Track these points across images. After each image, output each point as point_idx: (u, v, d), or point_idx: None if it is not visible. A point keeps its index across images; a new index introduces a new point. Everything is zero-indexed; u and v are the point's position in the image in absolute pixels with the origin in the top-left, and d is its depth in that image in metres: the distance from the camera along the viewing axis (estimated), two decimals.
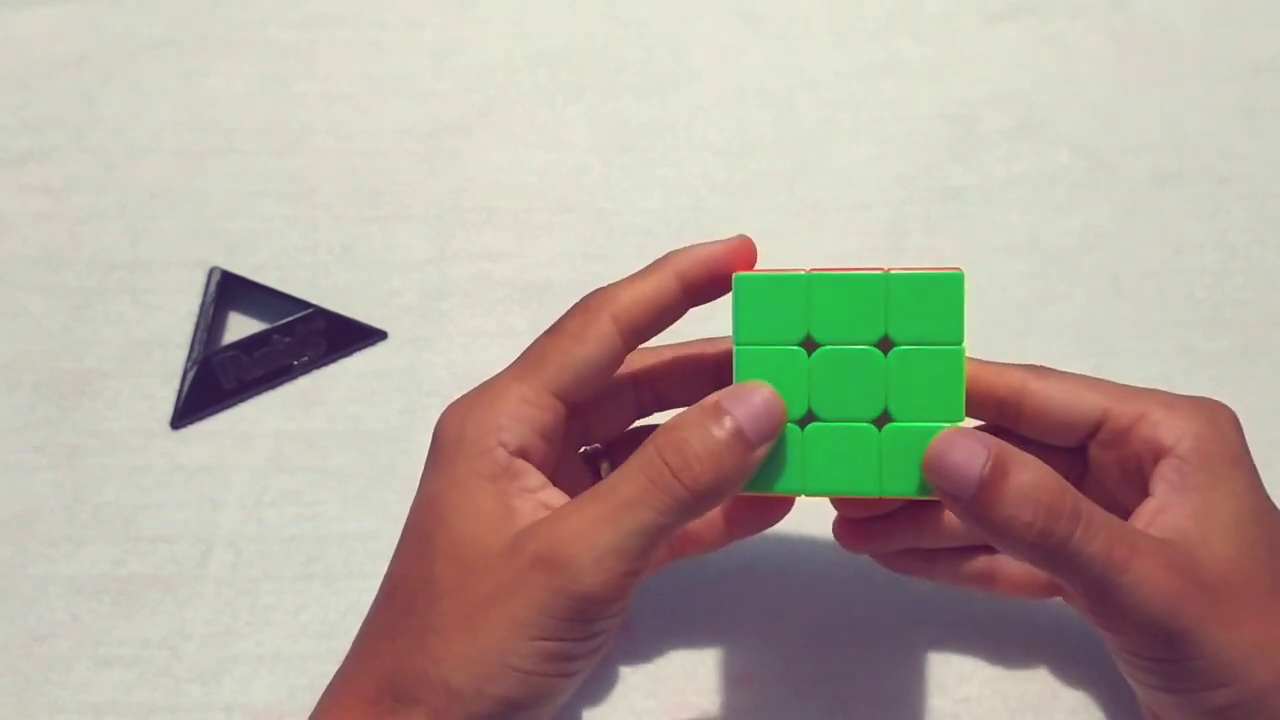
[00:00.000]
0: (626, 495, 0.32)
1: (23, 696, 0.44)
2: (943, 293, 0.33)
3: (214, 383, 0.50)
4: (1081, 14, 0.60)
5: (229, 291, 0.52)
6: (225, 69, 0.59)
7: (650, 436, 0.33)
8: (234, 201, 0.55)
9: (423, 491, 0.35)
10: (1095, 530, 0.31)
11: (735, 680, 0.43)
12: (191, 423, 0.50)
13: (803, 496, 0.35)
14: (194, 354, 0.51)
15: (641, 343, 0.37)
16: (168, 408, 0.50)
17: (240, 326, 0.52)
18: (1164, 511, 0.34)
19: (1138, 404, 0.36)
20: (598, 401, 0.38)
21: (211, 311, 0.52)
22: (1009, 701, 0.43)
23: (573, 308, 0.36)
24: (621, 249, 0.54)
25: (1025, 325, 0.51)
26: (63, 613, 0.46)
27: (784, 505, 0.40)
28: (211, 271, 0.52)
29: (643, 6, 0.61)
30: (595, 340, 0.35)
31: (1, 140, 0.57)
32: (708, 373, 0.39)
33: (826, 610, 0.44)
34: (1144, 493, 0.35)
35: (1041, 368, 0.37)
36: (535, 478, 0.34)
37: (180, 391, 0.50)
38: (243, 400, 0.50)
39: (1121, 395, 0.36)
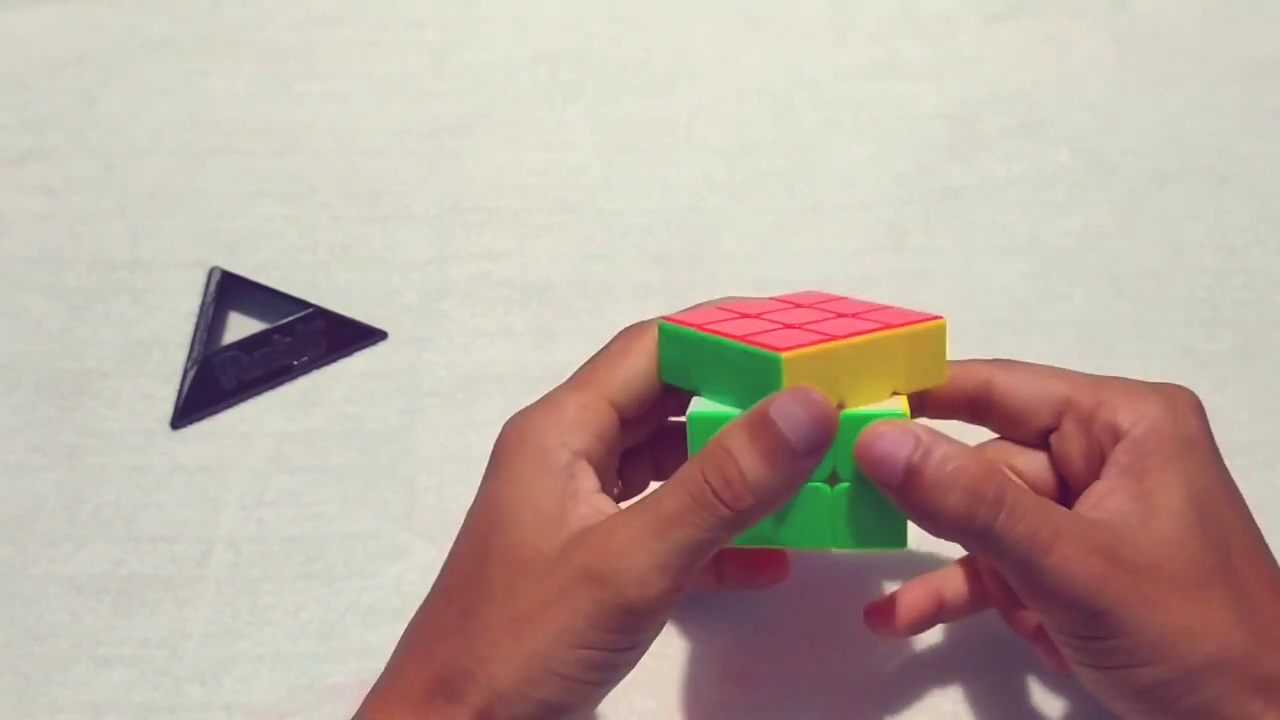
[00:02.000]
0: (670, 511, 0.32)
1: (23, 696, 0.44)
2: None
3: (214, 383, 0.50)
4: (1081, 14, 0.60)
5: (229, 291, 0.52)
6: (225, 69, 0.59)
7: (700, 452, 0.33)
8: (234, 201, 0.55)
9: (482, 494, 0.36)
10: (1020, 514, 0.32)
11: (735, 680, 0.43)
12: (191, 423, 0.50)
13: (768, 548, 0.36)
14: (194, 354, 0.51)
15: None
16: (168, 408, 0.50)
17: (240, 326, 0.52)
18: (1111, 494, 0.34)
19: (1099, 391, 0.36)
20: (645, 418, 0.38)
21: (211, 311, 0.52)
22: (1009, 701, 0.43)
23: (616, 335, 0.38)
24: (621, 249, 0.54)
25: (1025, 325, 0.51)
26: (63, 613, 0.46)
27: (772, 571, 0.41)
28: (211, 271, 0.52)
29: (643, 6, 0.61)
30: (642, 352, 0.36)
31: (1, 140, 0.57)
32: None
33: (826, 610, 0.44)
34: None
35: (1007, 361, 0.38)
36: (592, 480, 0.35)
37: (180, 391, 0.50)
38: (243, 400, 0.50)
39: (1083, 384, 0.37)
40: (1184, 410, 0.35)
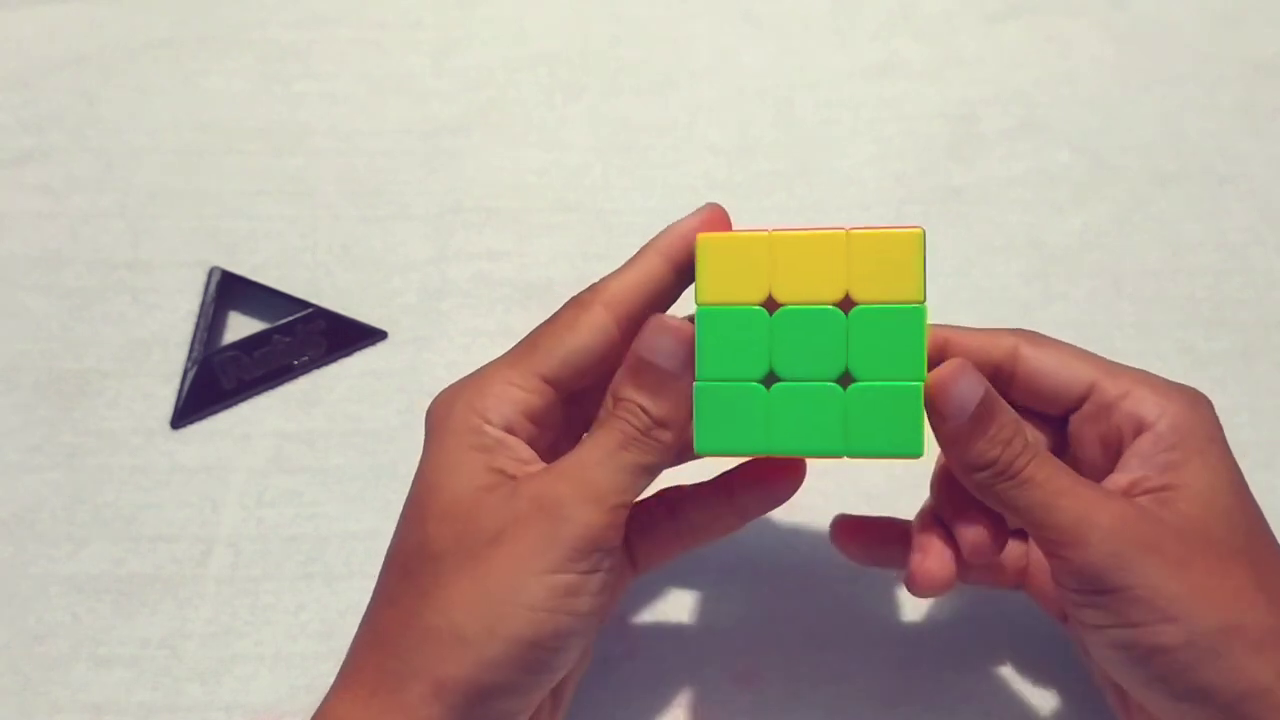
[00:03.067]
0: (614, 443, 0.34)
1: (23, 696, 0.44)
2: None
3: (214, 383, 0.50)
4: (1081, 14, 0.60)
5: (229, 291, 0.52)
6: (225, 69, 0.59)
7: (609, 401, 0.35)
8: (234, 201, 0.55)
9: (416, 472, 0.36)
10: (1042, 461, 0.34)
11: (735, 680, 0.43)
12: (191, 423, 0.50)
13: (770, 455, 0.34)
14: (194, 354, 0.51)
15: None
16: (168, 408, 0.50)
17: (240, 326, 0.52)
18: (1135, 485, 0.35)
19: (1124, 381, 0.37)
20: (597, 391, 0.38)
21: (211, 311, 0.52)
22: (1009, 700, 0.43)
23: (566, 303, 0.37)
24: (621, 249, 0.53)
25: (1025, 325, 0.51)
26: (63, 613, 0.46)
27: (789, 479, 0.38)
28: (211, 271, 0.52)
29: (643, 6, 0.61)
30: (588, 328, 0.36)
31: (1, 140, 0.57)
32: None
33: (826, 610, 0.44)
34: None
35: (1034, 334, 0.38)
36: (524, 451, 0.35)
37: (180, 391, 0.50)
38: (243, 400, 0.50)
39: (1110, 371, 0.37)
40: (1204, 410, 0.36)
